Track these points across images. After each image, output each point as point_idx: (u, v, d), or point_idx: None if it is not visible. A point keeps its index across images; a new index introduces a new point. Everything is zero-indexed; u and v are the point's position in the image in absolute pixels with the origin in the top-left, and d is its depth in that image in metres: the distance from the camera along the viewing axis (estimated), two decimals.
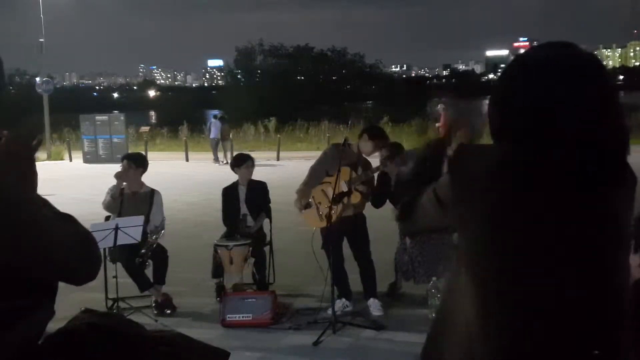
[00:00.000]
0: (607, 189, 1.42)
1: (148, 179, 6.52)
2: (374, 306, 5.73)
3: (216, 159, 21.32)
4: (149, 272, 6.02)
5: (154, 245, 5.97)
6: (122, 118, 24.96)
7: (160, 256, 6.04)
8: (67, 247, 1.49)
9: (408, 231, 4.74)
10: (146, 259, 5.91)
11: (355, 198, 5.71)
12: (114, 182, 6.27)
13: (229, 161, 20.88)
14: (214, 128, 21.59)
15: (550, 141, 1.40)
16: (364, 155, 5.87)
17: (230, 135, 22.47)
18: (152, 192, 6.29)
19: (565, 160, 1.40)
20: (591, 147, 1.40)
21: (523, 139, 1.43)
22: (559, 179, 1.40)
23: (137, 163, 6.30)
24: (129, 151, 18.83)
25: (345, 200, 5.64)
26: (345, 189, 5.62)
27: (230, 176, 6.88)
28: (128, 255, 5.82)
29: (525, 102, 1.44)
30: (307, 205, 5.80)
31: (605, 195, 1.42)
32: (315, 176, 5.80)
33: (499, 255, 1.42)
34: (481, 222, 1.43)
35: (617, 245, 1.43)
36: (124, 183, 6.23)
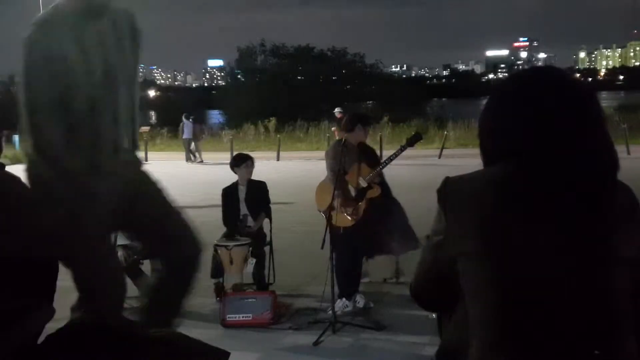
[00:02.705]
0: (602, 194, 1.45)
1: None
2: (358, 299, 5.79)
3: (189, 158, 22.06)
4: (147, 272, 6.01)
5: None
6: None
7: None
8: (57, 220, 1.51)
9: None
10: (140, 258, 5.88)
11: (376, 192, 5.87)
12: None
13: (201, 159, 21.51)
14: (186, 128, 22.21)
15: (544, 150, 1.44)
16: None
17: (203, 136, 23.00)
18: None
19: (561, 168, 1.43)
20: (585, 154, 1.45)
21: (518, 154, 1.48)
22: (553, 188, 1.44)
23: None
24: None
25: (367, 195, 5.83)
26: (364, 184, 5.81)
27: (230, 176, 6.88)
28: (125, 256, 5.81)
29: (518, 114, 1.50)
30: (331, 208, 5.77)
31: (601, 201, 1.45)
32: (341, 179, 5.70)
33: (498, 265, 1.44)
34: (478, 239, 1.46)
35: (618, 246, 1.44)
36: None
